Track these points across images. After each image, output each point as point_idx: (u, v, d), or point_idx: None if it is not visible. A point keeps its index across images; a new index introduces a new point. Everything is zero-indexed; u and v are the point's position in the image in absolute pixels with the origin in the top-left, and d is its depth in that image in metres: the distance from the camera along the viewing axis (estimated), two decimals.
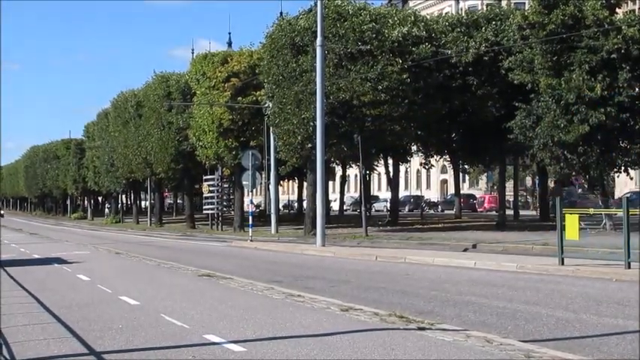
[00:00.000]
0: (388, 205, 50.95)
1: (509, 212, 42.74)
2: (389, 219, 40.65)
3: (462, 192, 52.88)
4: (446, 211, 57.46)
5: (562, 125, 24.57)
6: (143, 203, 79.90)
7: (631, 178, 34.89)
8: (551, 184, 45.93)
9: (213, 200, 45.02)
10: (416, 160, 55.39)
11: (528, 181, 66.66)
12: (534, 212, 48.77)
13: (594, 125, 24.15)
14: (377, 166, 52.15)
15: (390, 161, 43.50)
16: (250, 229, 31.54)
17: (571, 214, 15.66)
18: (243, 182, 32.91)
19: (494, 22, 32.52)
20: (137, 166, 55.68)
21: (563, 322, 9.25)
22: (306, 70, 30.58)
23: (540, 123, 25.57)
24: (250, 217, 32.53)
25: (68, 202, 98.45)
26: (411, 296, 12.28)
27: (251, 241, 29.88)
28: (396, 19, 31.42)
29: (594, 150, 24.89)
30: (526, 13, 27.03)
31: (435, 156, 44.90)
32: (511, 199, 48.67)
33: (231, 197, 45.32)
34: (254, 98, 39.81)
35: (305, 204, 41.25)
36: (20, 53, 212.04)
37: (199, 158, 44.45)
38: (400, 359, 7.23)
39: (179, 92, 48.51)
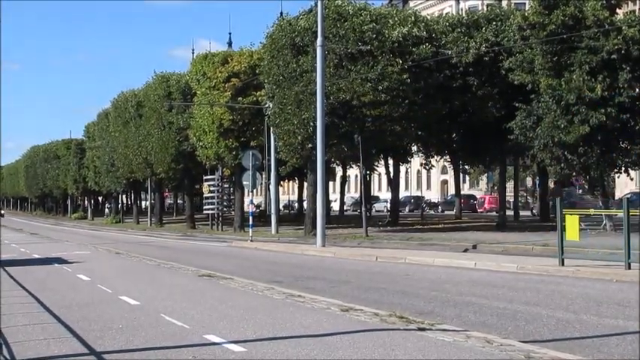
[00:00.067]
0: (388, 205, 50.94)
1: (510, 213, 42.75)
2: (389, 219, 40.66)
3: (462, 192, 52.90)
4: (446, 212, 57.48)
5: (562, 126, 24.58)
6: (143, 203, 79.92)
7: (631, 179, 34.92)
8: (551, 184, 45.92)
9: (214, 200, 45.03)
10: (416, 161, 55.44)
11: (529, 181, 66.66)
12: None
13: (594, 126, 24.15)
14: (377, 166, 52.13)
15: (391, 162, 43.51)
16: (250, 230, 31.54)
17: (571, 214, 15.67)
18: (244, 182, 32.93)
19: (494, 23, 32.52)
20: (137, 166, 55.69)
21: (564, 323, 9.25)
22: (307, 71, 30.58)
23: (541, 123, 25.57)
24: (250, 218, 32.53)
25: (68, 202, 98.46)
26: (412, 297, 12.28)
27: (251, 241, 29.87)
28: (396, 19, 31.41)
29: (594, 150, 24.90)
30: (526, 14, 27.03)
31: (435, 156, 44.96)
32: (511, 200, 48.69)
33: (232, 197, 45.33)
34: (254, 98, 39.82)
35: (305, 204, 41.26)
36: (20, 53, 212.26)
37: (200, 158, 44.46)
38: (400, 359, 7.24)
39: (179, 92, 48.52)
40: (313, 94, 27.86)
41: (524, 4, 45.33)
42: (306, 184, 41.72)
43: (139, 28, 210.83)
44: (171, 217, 74.44)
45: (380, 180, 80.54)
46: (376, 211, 58.88)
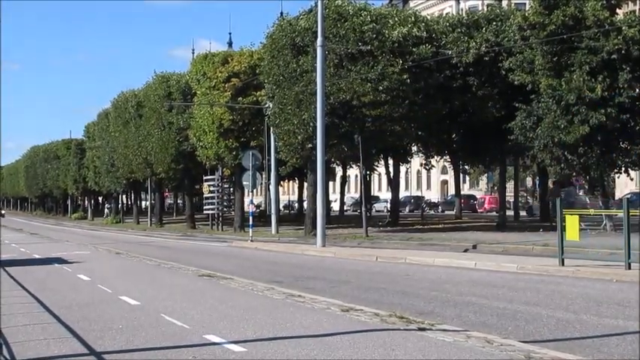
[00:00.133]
0: (388, 205, 50.91)
1: (510, 213, 42.73)
2: (389, 219, 40.65)
3: (462, 192, 52.88)
4: (446, 212, 57.48)
5: (562, 126, 24.58)
6: (143, 203, 79.89)
7: (631, 179, 34.90)
8: (551, 185, 45.90)
9: (214, 200, 45.04)
10: (416, 161, 55.44)
11: (529, 181, 66.65)
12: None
13: (594, 126, 24.15)
14: (377, 166, 52.11)
15: (391, 162, 43.50)
16: (251, 230, 31.54)
17: (571, 214, 15.67)
18: (244, 182, 32.94)
19: (494, 23, 32.51)
20: (137, 166, 55.69)
21: (564, 323, 9.25)
22: (307, 71, 30.58)
23: (541, 124, 25.57)
24: (251, 218, 32.54)
25: (68, 202, 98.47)
26: (412, 297, 12.28)
27: (251, 241, 29.87)
28: (396, 19, 31.41)
29: (594, 151, 24.90)
30: (526, 14, 27.02)
31: (435, 156, 44.95)
32: (511, 200, 48.65)
33: (232, 197, 45.34)
34: (254, 98, 39.82)
35: (305, 204, 41.26)
36: (20, 53, 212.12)
37: (200, 158, 44.46)
38: (400, 359, 7.23)
39: (179, 92, 48.52)
40: (313, 94, 27.86)
41: (525, 4, 45.27)
42: (306, 184, 41.73)
43: (138, 28, 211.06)
44: (172, 217, 74.44)
45: (380, 180, 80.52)
46: (376, 211, 58.87)
